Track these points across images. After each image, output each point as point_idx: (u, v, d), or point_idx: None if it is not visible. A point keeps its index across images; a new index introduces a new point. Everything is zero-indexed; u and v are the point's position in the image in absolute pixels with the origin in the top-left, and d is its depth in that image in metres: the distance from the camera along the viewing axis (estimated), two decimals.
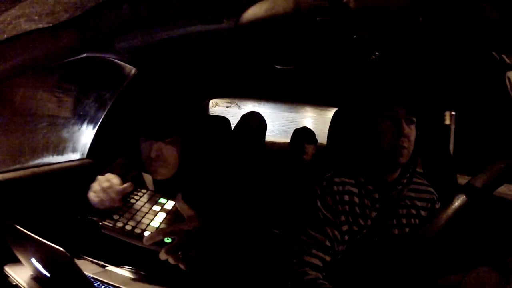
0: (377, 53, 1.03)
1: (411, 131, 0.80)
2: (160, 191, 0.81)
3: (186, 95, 1.72)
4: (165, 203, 0.76)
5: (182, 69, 1.45)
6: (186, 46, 1.14)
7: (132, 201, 0.75)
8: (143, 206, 0.75)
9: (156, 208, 0.75)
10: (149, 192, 0.79)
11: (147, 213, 0.73)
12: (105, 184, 0.69)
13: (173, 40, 0.99)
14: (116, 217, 0.69)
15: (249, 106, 2.43)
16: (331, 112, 1.43)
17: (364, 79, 1.41)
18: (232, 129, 1.61)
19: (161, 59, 1.27)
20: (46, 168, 1.09)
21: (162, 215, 0.73)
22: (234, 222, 0.80)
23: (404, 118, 0.80)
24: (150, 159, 0.80)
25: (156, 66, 1.29)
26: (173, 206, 0.75)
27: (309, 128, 1.66)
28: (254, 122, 1.53)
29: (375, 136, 0.82)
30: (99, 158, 1.29)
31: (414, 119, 0.81)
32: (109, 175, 0.72)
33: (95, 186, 0.70)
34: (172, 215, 0.73)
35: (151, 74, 1.28)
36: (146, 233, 0.66)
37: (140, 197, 0.77)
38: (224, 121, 1.58)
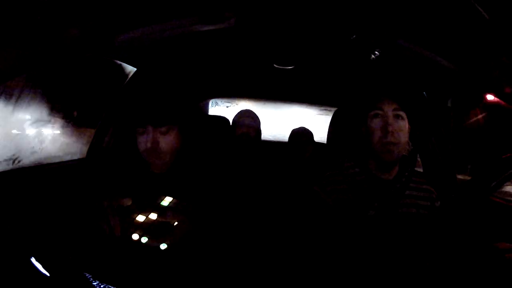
0: (376, 52, 1.03)
1: (400, 127, 0.81)
2: (155, 186, 0.82)
3: (186, 94, 1.73)
4: (160, 202, 0.77)
5: (181, 68, 1.45)
6: (186, 46, 1.14)
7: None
8: (136, 206, 0.75)
9: (153, 205, 0.75)
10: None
11: (139, 213, 0.73)
12: None
13: (173, 40, 0.99)
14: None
15: (247, 105, 2.42)
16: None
17: (355, 79, 1.42)
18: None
19: (161, 59, 1.27)
20: (46, 167, 1.09)
21: (153, 216, 0.73)
22: (229, 218, 0.81)
23: (392, 115, 0.80)
24: (147, 150, 0.82)
25: (156, 66, 1.29)
26: (167, 205, 0.76)
27: (306, 128, 1.65)
28: (248, 120, 1.52)
29: (366, 135, 0.83)
30: (99, 158, 1.29)
31: (404, 114, 0.82)
32: None
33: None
34: (164, 214, 0.74)
35: (151, 72, 1.28)
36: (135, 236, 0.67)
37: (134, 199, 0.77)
38: (224, 121, 1.58)
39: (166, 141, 0.83)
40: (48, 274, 0.53)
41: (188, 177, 0.84)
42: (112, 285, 0.56)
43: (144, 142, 0.82)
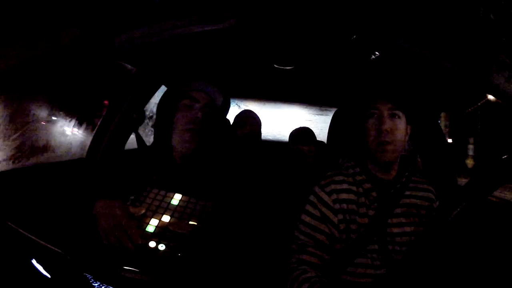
0: (377, 53, 1.03)
1: (396, 126, 0.81)
2: (173, 174, 0.84)
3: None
4: (171, 200, 0.77)
5: (181, 68, 1.45)
6: (186, 46, 1.14)
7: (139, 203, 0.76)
8: (150, 204, 0.75)
9: (163, 205, 0.76)
10: (156, 191, 0.79)
11: (153, 212, 0.74)
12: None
13: (173, 40, 0.99)
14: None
15: (247, 105, 2.41)
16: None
17: (355, 79, 1.42)
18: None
19: (161, 59, 1.27)
20: (46, 167, 1.09)
21: (166, 218, 0.73)
22: (234, 218, 0.81)
23: (387, 113, 0.80)
24: (194, 122, 0.86)
25: (156, 66, 1.29)
26: (177, 204, 0.76)
27: (307, 128, 1.64)
28: (250, 121, 1.52)
29: (362, 135, 0.84)
30: (99, 158, 1.29)
31: (400, 113, 0.82)
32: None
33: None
34: (178, 213, 0.74)
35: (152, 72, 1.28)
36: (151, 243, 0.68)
37: (146, 197, 0.77)
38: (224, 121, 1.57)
39: (207, 120, 0.88)
40: (49, 276, 0.53)
41: (198, 173, 0.86)
42: (113, 286, 0.56)
43: (192, 114, 0.87)
